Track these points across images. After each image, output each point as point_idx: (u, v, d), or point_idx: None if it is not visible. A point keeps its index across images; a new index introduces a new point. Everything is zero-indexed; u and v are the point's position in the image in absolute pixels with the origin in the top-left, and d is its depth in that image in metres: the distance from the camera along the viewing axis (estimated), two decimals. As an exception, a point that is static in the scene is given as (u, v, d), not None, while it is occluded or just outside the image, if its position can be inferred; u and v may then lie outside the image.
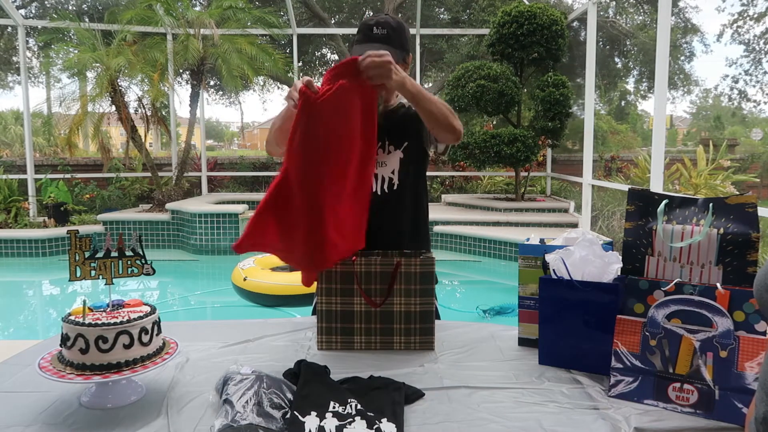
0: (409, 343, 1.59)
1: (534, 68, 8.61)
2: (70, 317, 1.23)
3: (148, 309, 1.29)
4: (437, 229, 7.41)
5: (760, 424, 0.73)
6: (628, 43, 13.31)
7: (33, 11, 13.90)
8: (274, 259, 5.39)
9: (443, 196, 9.61)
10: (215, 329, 1.79)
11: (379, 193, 1.84)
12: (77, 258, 1.26)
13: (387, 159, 1.84)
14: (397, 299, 1.58)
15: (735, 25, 14.37)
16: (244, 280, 4.95)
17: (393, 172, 1.85)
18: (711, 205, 1.32)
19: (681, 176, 7.90)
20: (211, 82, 14.22)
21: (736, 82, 15.37)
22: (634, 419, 1.16)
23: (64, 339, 1.21)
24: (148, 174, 8.89)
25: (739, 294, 1.19)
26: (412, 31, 10.01)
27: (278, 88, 16.36)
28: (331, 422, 1.12)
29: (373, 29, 1.72)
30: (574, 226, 7.18)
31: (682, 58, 14.48)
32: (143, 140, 8.61)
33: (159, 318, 1.30)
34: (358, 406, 1.18)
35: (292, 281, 4.75)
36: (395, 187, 1.85)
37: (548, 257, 1.48)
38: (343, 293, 1.58)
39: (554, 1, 12.10)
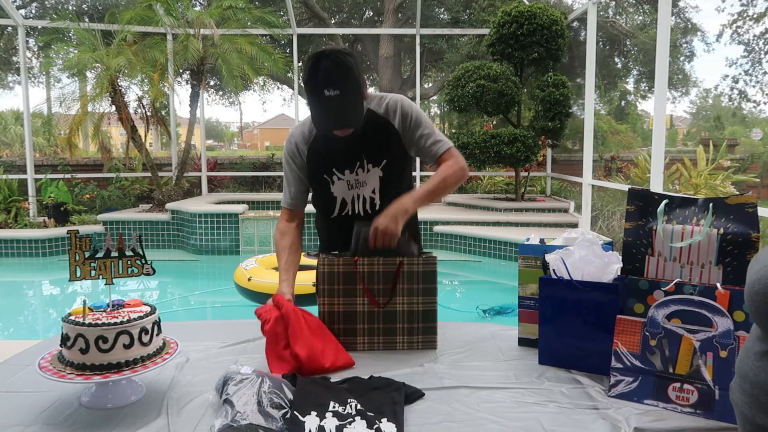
0: (412, 342, 1.59)
1: (534, 68, 8.60)
2: (70, 317, 1.23)
3: (148, 309, 1.29)
4: (437, 229, 7.40)
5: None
6: (628, 43, 13.30)
7: (33, 11, 13.89)
8: (276, 259, 5.38)
9: (443, 196, 9.60)
10: (215, 329, 1.79)
11: (362, 213, 1.80)
12: (77, 258, 1.26)
13: (366, 178, 1.78)
14: (399, 299, 1.57)
15: (735, 25, 14.36)
16: (249, 280, 4.95)
17: (374, 191, 1.79)
18: (711, 205, 1.32)
19: (681, 176, 7.90)
20: (211, 82, 14.21)
21: (736, 82, 15.37)
22: (634, 419, 1.16)
23: (64, 339, 1.21)
24: (148, 174, 8.88)
25: (739, 294, 1.19)
26: (412, 31, 10.01)
27: (278, 88, 16.36)
28: (331, 422, 1.12)
29: (324, 92, 1.56)
30: (574, 226, 7.18)
31: (682, 58, 14.48)
32: (143, 140, 8.61)
33: (159, 318, 1.30)
34: (358, 406, 1.18)
35: (299, 281, 4.73)
36: (377, 207, 1.79)
37: (548, 257, 1.48)
38: (346, 294, 1.58)
39: (554, 1, 12.09)
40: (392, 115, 1.76)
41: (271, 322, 1.46)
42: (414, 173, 1.96)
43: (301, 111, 10.16)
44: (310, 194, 1.91)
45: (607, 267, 1.41)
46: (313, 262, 1.63)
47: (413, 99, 7.09)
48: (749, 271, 0.75)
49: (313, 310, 1.61)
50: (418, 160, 5.87)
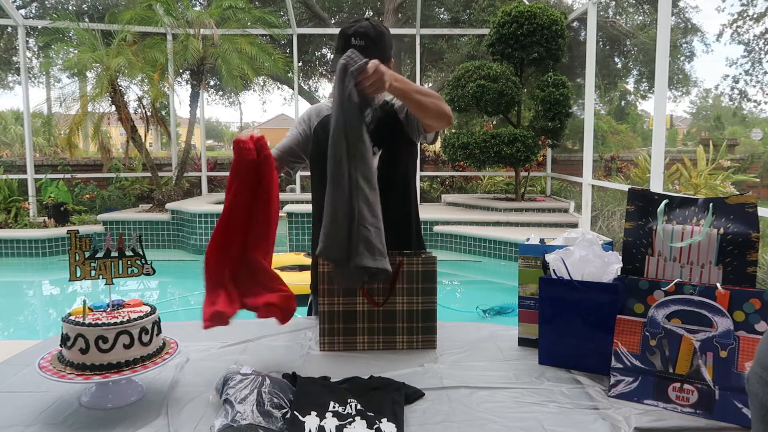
0: (412, 342, 1.59)
1: (534, 68, 8.61)
2: (70, 317, 1.23)
3: (148, 309, 1.29)
4: (437, 229, 7.40)
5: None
6: (628, 43, 13.30)
7: (33, 11, 13.89)
8: (279, 259, 5.39)
9: (443, 196, 9.60)
10: (215, 329, 1.78)
11: None
12: (77, 258, 1.26)
13: None
14: (399, 298, 1.58)
15: (735, 25, 14.36)
16: None
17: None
18: (711, 205, 1.32)
19: (681, 176, 7.89)
20: (211, 82, 14.21)
21: (737, 82, 15.36)
22: (634, 419, 1.16)
23: (64, 339, 1.21)
24: (148, 174, 8.89)
25: (739, 294, 1.19)
26: (412, 31, 10.01)
27: (278, 88, 16.37)
28: (331, 422, 1.12)
29: (351, 40, 1.70)
30: (574, 226, 7.17)
31: (682, 58, 14.47)
32: (143, 140, 8.61)
33: (159, 318, 1.30)
34: (358, 406, 1.18)
35: (298, 281, 4.74)
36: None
37: (548, 257, 1.48)
38: (346, 293, 1.58)
39: (554, 1, 12.09)
40: (398, 106, 1.86)
41: (250, 147, 1.48)
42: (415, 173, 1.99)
43: (302, 111, 10.16)
44: (310, 193, 1.92)
45: (607, 267, 1.41)
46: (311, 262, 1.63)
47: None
48: None
49: (303, 311, 1.61)
50: (418, 158, 5.89)
